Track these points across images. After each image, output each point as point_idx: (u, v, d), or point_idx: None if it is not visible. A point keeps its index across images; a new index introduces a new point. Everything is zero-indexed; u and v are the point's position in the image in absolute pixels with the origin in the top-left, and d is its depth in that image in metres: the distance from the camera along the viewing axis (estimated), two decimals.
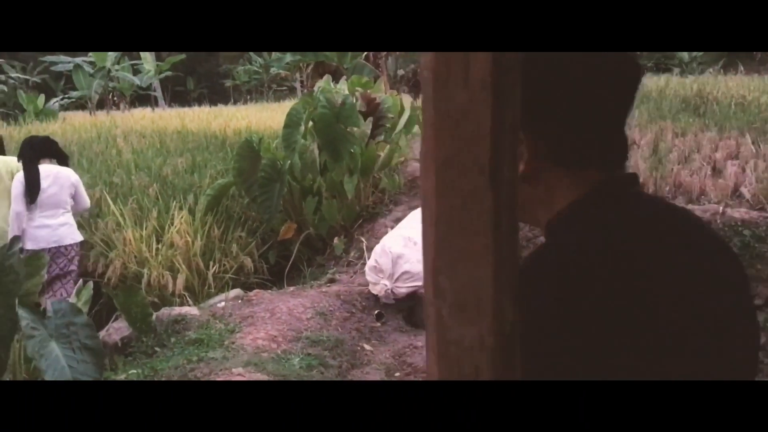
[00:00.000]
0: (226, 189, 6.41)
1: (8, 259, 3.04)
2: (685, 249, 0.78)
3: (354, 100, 6.08)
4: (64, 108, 21.76)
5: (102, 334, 4.48)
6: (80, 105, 22.71)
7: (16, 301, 2.98)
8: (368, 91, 6.91)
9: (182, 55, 24.17)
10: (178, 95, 37.07)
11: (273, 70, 37.22)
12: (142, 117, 13.28)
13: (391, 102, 6.92)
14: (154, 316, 4.42)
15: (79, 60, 20.17)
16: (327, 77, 6.66)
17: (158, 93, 25.22)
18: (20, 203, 4.42)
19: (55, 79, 27.06)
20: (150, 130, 10.27)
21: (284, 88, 36.85)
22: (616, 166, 0.81)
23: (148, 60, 22.78)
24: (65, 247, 4.54)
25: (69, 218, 4.61)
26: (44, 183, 4.46)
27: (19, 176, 4.47)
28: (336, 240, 6.00)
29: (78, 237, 4.68)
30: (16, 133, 10.54)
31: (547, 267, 0.76)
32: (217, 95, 34.98)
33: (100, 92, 20.68)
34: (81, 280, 4.31)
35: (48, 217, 4.48)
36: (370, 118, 6.52)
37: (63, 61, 19.91)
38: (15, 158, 4.64)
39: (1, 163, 4.74)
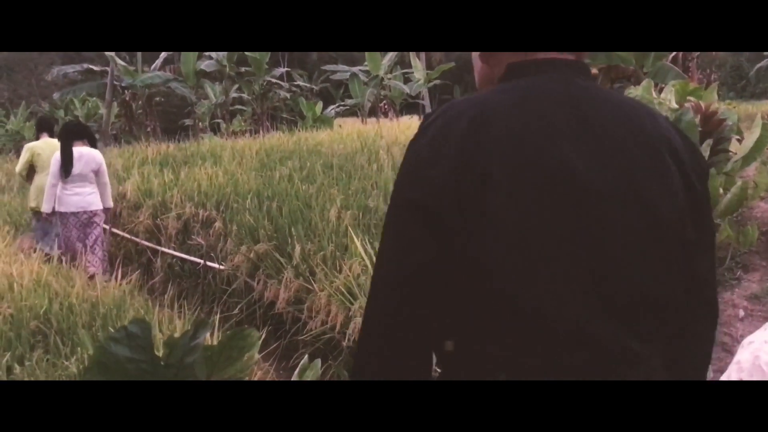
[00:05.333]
0: None
1: (190, 354, 1.99)
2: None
3: (692, 116, 4.23)
4: (340, 115, 22.77)
5: None
6: (354, 112, 23.58)
7: None
8: (702, 101, 4.95)
9: (451, 63, 23.70)
10: (444, 104, 37.36)
11: None
12: (407, 126, 12.69)
13: (735, 117, 4.87)
14: None
15: (356, 69, 20.79)
16: (648, 82, 4.83)
17: (426, 101, 25.14)
18: (56, 177, 5.48)
19: (336, 87, 28.78)
20: None
21: None
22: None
23: (418, 68, 22.72)
24: (92, 211, 5.62)
25: (95, 189, 5.67)
26: (76, 161, 5.48)
27: (57, 155, 5.48)
28: None
29: (103, 205, 5.76)
30: (285, 139, 10.56)
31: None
32: None
33: (372, 100, 21.08)
34: (306, 357, 3.34)
35: (79, 187, 5.54)
36: (709, 140, 4.58)
37: (341, 70, 20.69)
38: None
39: (52, 146, 6.02)
